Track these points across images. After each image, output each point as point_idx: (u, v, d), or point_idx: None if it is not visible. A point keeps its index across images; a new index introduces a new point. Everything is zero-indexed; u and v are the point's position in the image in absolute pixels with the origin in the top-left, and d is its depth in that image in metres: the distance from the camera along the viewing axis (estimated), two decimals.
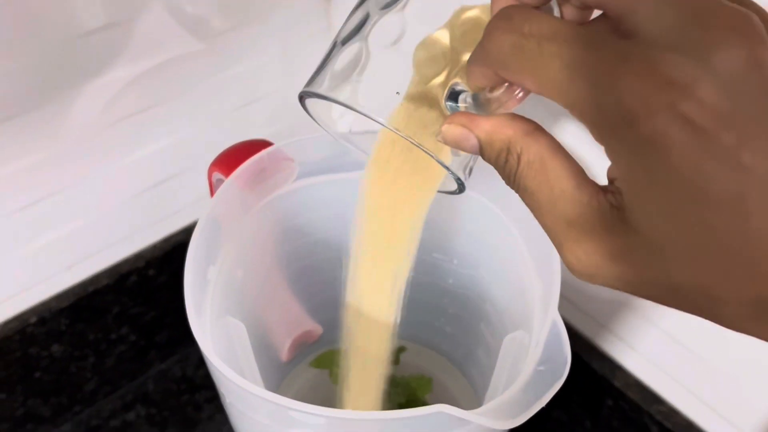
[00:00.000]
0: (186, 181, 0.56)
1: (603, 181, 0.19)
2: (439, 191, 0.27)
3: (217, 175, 0.34)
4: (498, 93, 0.21)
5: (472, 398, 0.43)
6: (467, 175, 0.25)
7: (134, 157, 0.52)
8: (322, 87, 0.23)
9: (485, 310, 0.39)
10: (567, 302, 0.52)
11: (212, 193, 0.35)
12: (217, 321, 0.32)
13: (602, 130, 0.17)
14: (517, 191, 0.21)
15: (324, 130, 0.26)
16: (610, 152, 0.18)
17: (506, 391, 0.25)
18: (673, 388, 0.50)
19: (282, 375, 0.43)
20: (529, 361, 0.26)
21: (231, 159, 0.34)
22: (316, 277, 0.41)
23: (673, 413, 0.50)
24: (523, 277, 0.33)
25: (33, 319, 0.51)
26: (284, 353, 0.41)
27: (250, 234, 0.35)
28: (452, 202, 0.38)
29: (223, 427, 0.58)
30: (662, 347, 0.47)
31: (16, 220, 0.48)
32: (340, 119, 0.26)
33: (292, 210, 0.37)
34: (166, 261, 0.57)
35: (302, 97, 0.25)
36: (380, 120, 0.22)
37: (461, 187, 0.26)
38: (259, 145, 0.35)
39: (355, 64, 0.23)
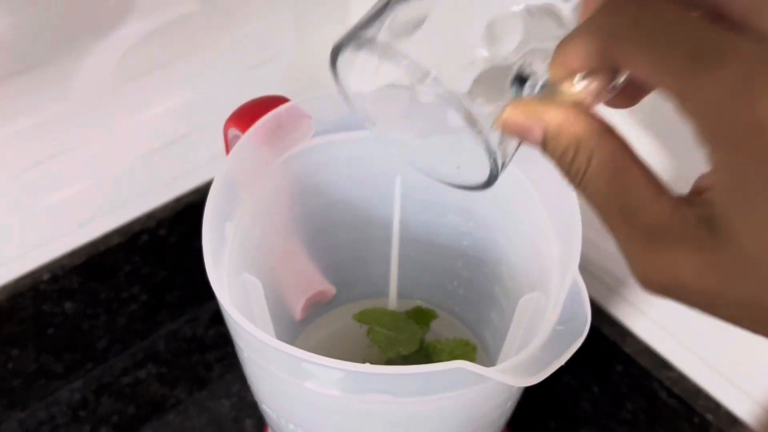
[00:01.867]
0: (198, 141, 0.55)
1: None
2: (458, 185, 0.25)
3: (233, 131, 0.33)
4: (586, 82, 0.19)
5: (484, 360, 0.43)
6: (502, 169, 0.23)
7: (146, 115, 0.51)
8: (379, 37, 0.20)
9: (500, 273, 0.39)
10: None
11: (228, 149, 0.35)
12: (234, 278, 0.32)
13: (720, 135, 0.16)
14: (582, 192, 0.19)
15: (339, 92, 0.24)
16: (720, 159, 0.16)
17: (525, 350, 0.25)
18: (682, 355, 0.50)
19: (295, 333, 0.43)
20: (548, 321, 0.26)
21: (248, 114, 0.33)
22: (331, 238, 0.41)
23: (682, 379, 0.50)
24: (540, 238, 0.33)
25: (46, 276, 0.52)
26: (298, 312, 0.41)
27: (267, 192, 0.34)
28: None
29: (232, 386, 0.59)
30: (673, 313, 0.47)
31: (28, 177, 0.48)
32: (371, 77, 0.23)
33: (309, 168, 0.37)
34: (177, 221, 0.56)
35: (340, 48, 0.21)
36: (444, 84, 0.19)
37: (491, 181, 0.24)
38: (276, 101, 0.34)
39: (416, 21, 0.20)
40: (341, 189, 0.39)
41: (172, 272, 0.59)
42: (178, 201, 0.57)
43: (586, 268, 0.50)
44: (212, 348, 0.61)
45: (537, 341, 0.25)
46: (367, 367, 0.24)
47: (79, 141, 0.49)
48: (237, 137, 0.33)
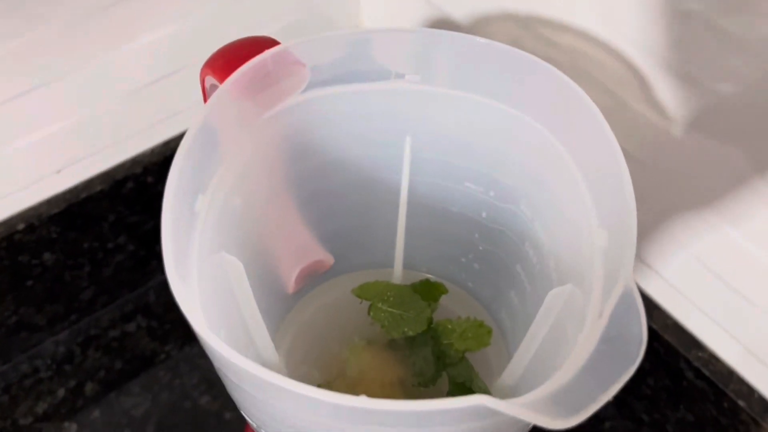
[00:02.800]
0: (189, 79, 0.49)
1: None
2: None
3: (210, 79, 0.28)
4: None
5: (499, 344, 0.38)
6: None
7: (132, 47, 0.46)
8: None
9: (524, 251, 0.33)
10: None
11: (206, 102, 0.29)
12: (209, 258, 0.27)
13: None
14: None
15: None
16: None
17: (559, 375, 0.20)
18: (716, 333, 0.45)
19: (288, 306, 0.38)
20: (589, 336, 0.21)
21: (228, 60, 0.27)
22: (328, 203, 0.35)
23: (713, 360, 0.45)
24: (578, 222, 0.27)
25: (20, 226, 0.47)
26: (291, 285, 0.36)
27: (250, 153, 0.29)
28: (492, 125, 0.32)
29: None
30: (706, 288, 0.42)
31: None
32: None
33: (302, 125, 0.31)
34: (165, 167, 0.51)
35: None
36: None
37: None
38: (262, 43, 0.28)
39: None
40: (341, 149, 0.33)
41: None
42: (166, 145, 0.51)
43: None
44: None
45: (575, 363, 0.20)
46: (363, 401, 0.19)
47: (55, 75, 0.44)
48: (215, 87, 0.28)
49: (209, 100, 0.26)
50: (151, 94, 0.49)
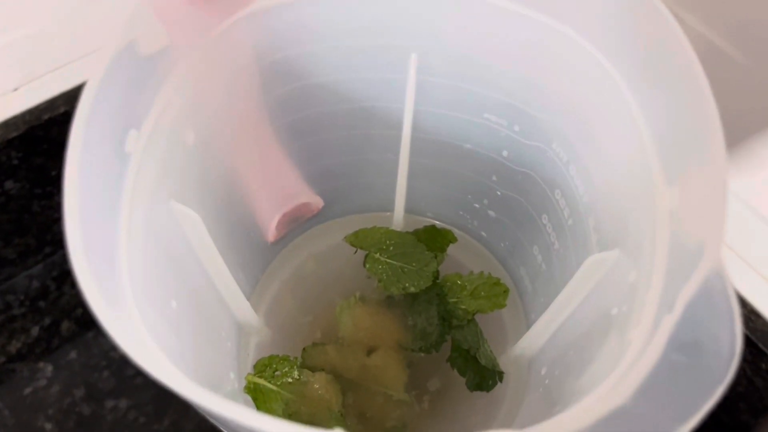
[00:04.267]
0: None
1: None
2: None
3: None
4: None
5: (517, 305, 0.33)
6: None
7: None
8: None
9: (553, 201, 0.27)
10: None
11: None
12: (151, 212, 0.21)
13: None
14: None
15: None
16: None
17: (603, 394, 0.14)
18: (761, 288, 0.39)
19: (268, 258, 0.33)
20: (651, 339, 0.15)
21: None
22: (316, 137, 0.29)
23: (754, 316, 0.40)
24: (634, 173, 0.21)
25: None
26: (271, 232, 0.30)
27: (205, 75, 0.23)
28: (521, 40, 0.25)
29: None
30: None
31: None
32: None
33: (277, 37, 0.25)
34: None
35: None
36: None
37: None
38: None
39: None
40: (326, 66, 0.26)
41: None
42: None
43: None
44: None
45: (629, 379, 0.14)
46: None
47: None
48: None
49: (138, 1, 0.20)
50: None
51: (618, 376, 0.15)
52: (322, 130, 0.29)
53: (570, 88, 0.23)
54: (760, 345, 0.39)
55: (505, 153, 0.29)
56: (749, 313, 0.40)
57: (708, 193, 0.16)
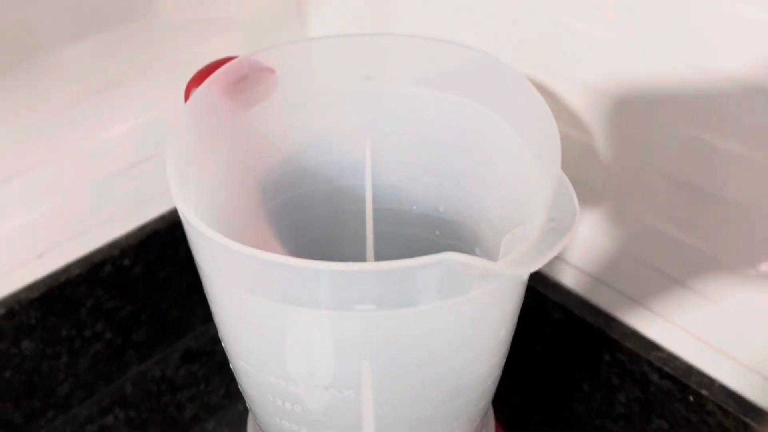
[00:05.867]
0: (162, 165, 0.54)
1: None
2: None
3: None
4: None
5: None
6: None
7: (105, 136, 0.51)
8: None
9: (480, 232, 0.38)
10: (558, 260, 0.52)
11: None
12: None
13: None
14: None
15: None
16: None
17: (518, 247, 0.25)
18: (671, 332, 0.49)
19: None
20: (539, 220, 0.25)
21: (211, 71, 0.33)
22: (300, 215, 0.39)
23: (672, 359, 0.49)
24: (519, 188, 0.32)
25: (1, 312, 0.49)
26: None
27: (227, 152, 0.33)
28: (444, 116, 0.37)
29: (206, 425, 0.55)
30: (656, 291, 0.46)
31: None
32: None
33: (277, 129, 0.36)
34: (141, 250, 0.55)
35: None
36: None
37: None
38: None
39: None
40: (306, 156, 0.38)
41: (138, 307, 0.56)
42: (141, 229, 0.55)
43: (564, 259, 0.50)
44: (183, 387, 0.58)
45: (529, 239, 0.25)
46: (339, 265, 0.23)
47: (33, 163, 0.47)
48: None
49: (192, 95, 0.31)
50: (127, 181, 0.53)
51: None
52: (306, 207, 0.39)
53: (476, 142, 0.35)
54: (682, 380, 0.47)
55: (441, 209, 0.40)
56: (667, 356, 0.49)
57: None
